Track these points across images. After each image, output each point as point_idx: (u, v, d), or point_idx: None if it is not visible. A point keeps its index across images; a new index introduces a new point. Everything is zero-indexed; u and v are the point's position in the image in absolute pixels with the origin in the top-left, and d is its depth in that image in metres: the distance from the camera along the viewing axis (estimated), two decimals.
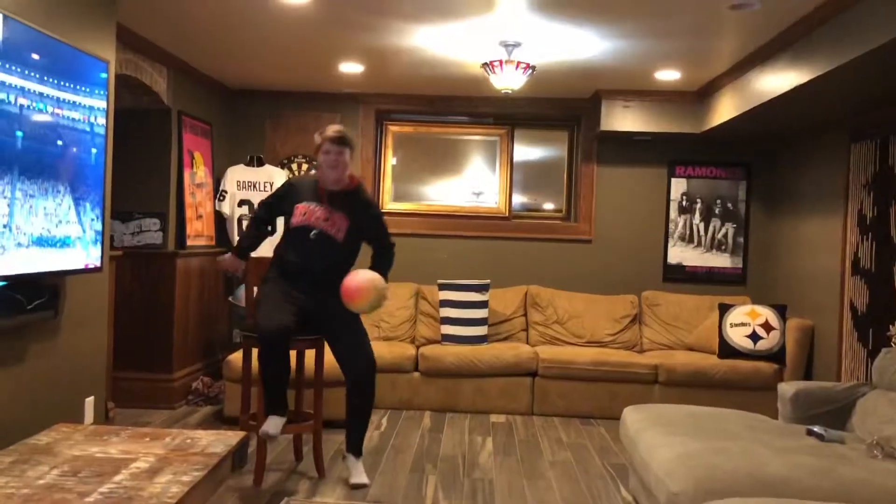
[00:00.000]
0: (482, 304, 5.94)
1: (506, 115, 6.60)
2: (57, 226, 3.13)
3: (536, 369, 5.62)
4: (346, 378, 3.93)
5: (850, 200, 4.95)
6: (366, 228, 3.95)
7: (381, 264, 3.97)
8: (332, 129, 3.88)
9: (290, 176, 6.32)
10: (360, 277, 3.72)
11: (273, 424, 3.72)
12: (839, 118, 5.03)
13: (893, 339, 4.28)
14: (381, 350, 5.54)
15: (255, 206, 5.29)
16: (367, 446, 4.64)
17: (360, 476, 3.90)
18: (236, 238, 5.92)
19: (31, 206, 2.92)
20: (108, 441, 2.95)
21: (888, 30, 3.22)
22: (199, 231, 5.81)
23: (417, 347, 5.83)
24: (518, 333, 6.14)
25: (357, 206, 3.92)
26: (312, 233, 3.82)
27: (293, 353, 3.91)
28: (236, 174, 6.18)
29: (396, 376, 5.58)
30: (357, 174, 4.24)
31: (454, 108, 6.54)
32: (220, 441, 3.03)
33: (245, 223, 5.84)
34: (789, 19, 4.00)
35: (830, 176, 5.32)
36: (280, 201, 4.01)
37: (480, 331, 5.89)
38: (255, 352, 3.87)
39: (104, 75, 3.49)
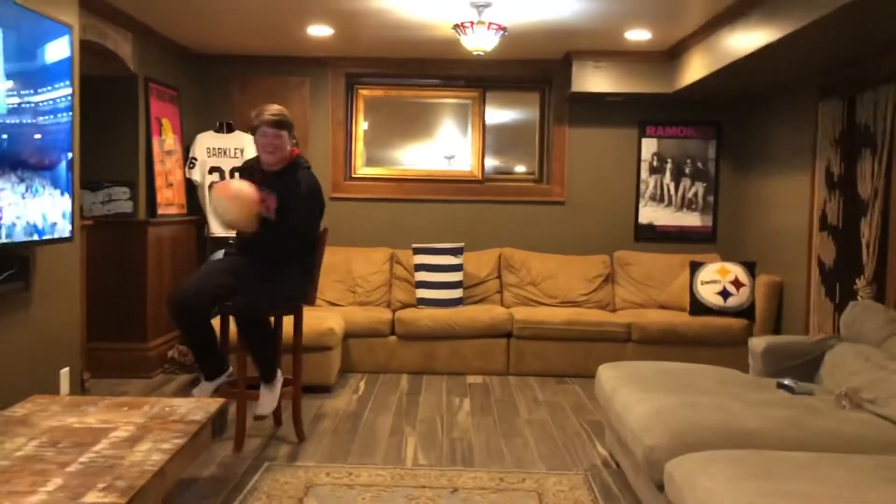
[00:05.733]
0: (457, 268, 5.96)
1: (477, 78, 6.56)
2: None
3: (511, 330, 5.67)
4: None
5: (818, 158, 5.01)
6: (290, 204, 3.79)
7: (273, 225, 3.75)
8: (269, 111, 3.73)
9: None
10: (243, 188, 3.63)
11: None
12: (808, 77, 5.06)
13: (860, 293, 4.37)
14: (357, 315, 5.60)
15: (227, 173, 5.24)
16: (346, 409, 4.69)
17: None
18: (208, 206, 5.84)
19: None
20: (86, 411, 2.93)
21: None
22: (169, 199, 5.73)
23: (393, 311, 5.85)
24: (493, 296, 6.18)
25: (288, 184, 3.78)
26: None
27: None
28: (206, 141, 6.08)
29: (373, 340, 5.61)
30: (295, 147, 3.94)
31: (426, 70, 6.48)
32: (199, 408, 3.02)
33: None
34: None
35: (799, 134, 5.37)
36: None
37: (455, 294, 5.92)
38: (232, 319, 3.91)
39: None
